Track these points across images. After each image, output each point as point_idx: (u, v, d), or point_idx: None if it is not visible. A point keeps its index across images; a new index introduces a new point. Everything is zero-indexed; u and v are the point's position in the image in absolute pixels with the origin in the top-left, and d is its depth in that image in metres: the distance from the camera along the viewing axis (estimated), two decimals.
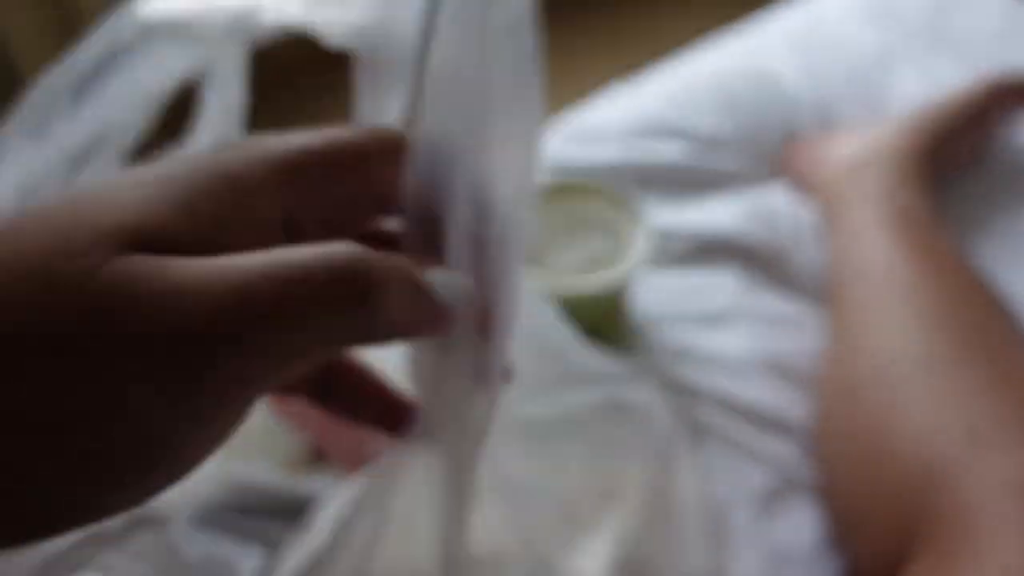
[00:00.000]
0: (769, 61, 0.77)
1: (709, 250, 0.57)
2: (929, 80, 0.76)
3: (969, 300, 0.45)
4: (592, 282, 0.46)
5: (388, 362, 0.42)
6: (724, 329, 0.52)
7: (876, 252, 0.50)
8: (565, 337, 0.39)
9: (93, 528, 0.21)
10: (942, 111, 0.63)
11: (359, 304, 0.16)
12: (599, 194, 0.52)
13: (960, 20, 0.85)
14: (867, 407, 0.40)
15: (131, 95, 0.33)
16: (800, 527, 0.43)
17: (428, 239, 0.19)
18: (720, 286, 0.55)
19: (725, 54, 0.79)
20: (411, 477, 0.21)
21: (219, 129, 0.35)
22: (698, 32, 0.93)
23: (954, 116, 0.63)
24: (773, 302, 0.55)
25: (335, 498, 0.29)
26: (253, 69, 0.36)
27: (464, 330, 0.19)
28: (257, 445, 0.39)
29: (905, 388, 0.39)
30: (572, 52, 1.97)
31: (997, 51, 0.80)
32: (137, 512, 0.20)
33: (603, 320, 0.50)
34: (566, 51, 1.97)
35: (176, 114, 0.37)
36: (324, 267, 0.15)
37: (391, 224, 0.21)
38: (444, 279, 0.18)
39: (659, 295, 0.54)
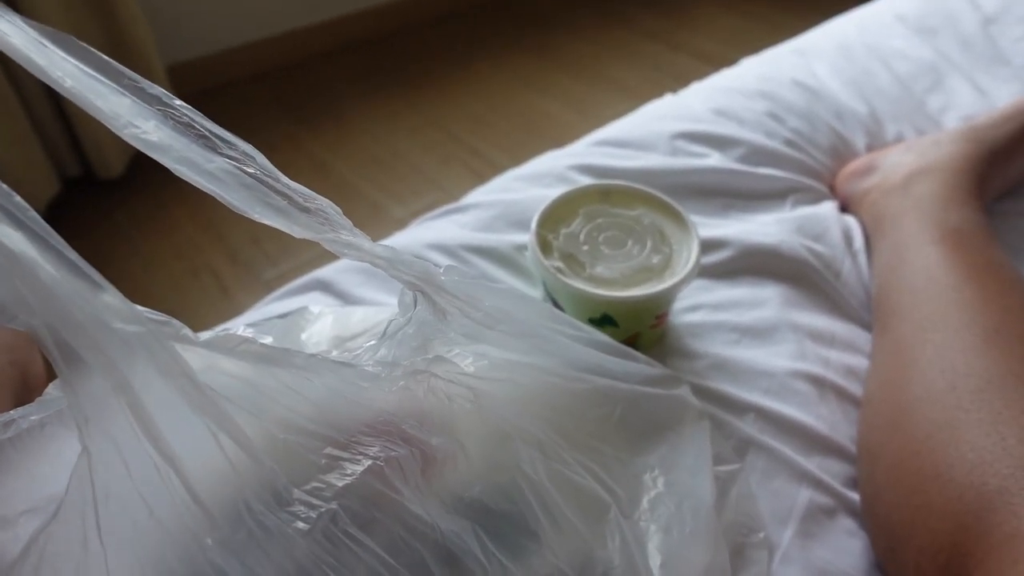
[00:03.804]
0: (817, 73, 0.77)
1: (754, 262, 0.56)
2: (981, 94, 0.75)
3: None
4: (639, 292, 0.46)
5: (353, 315, 0.42)
6: (767, 343, 0.52)
7: (931, 269, 0.49)
8: (603, 342, 0.39)
9: None
10: (995, 125, 0.62)
11: None
12: (650, 201, 0.51)
13: (1012, 34, 0.84)
14: (921, 426, 0.40)
15: None
16: (844, 549, 0.42)
17: None
18: (764, 299, 0.54)
19: (773, 64, 0.78)
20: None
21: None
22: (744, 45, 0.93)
23: (1007, 130, 0.61)
24: (818, 318, 0.54)
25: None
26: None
27: None
28: None
29: (964, 408, 0.38)
30: (621, 59, 1.96)
31: None
32: None
33: (645, 328, 0.49)
34: (612, 58, 1.97)
35: None
36: None
37: None
38: None
39: (701, 305, 0.54)
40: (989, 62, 0.79)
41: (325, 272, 0.57)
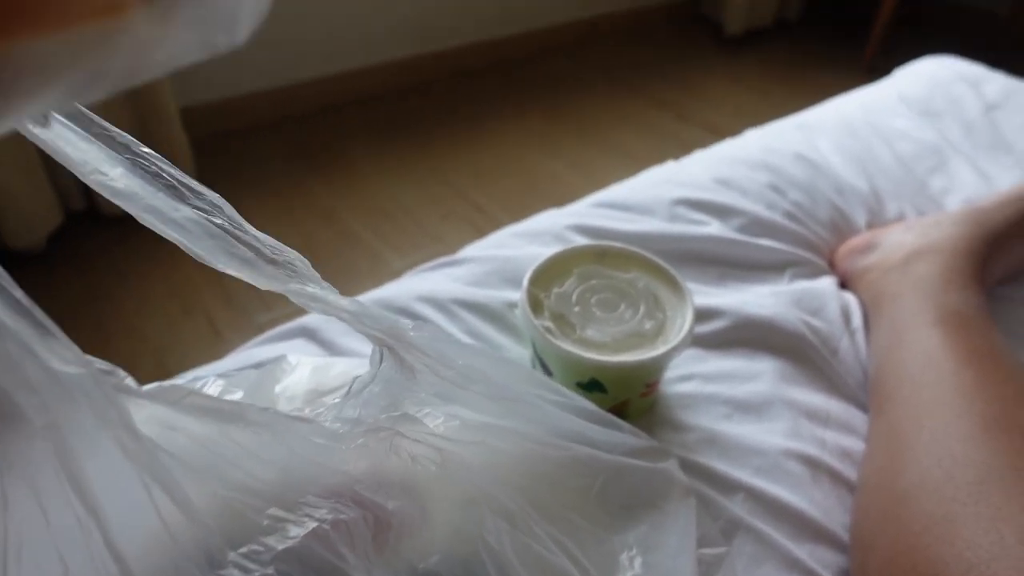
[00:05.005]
0: (820, 148, 0.77)
1: (749, 334, 0.55)
2: (983, 179, 0.75)
3: None
4: (630, 358, 0.44)
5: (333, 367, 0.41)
6: (760, 419, 0.50)
7: (929, 352, 0.47)
8: (588, 410, 0.38)
9: None
10: (997, 209, 0.61)
11: None
12: (645, 265, 0.50)
13: (1014, 122, 0.84)
14: (917, 518, 0.37)
15: None
16: None
17: None
18: (758, 372, 0.53)
19: (776, 137, 0.79)
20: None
21: None
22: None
23: (1009, 215, 0.61)
24: (814, 395, 0.52)
25: None
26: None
27: None
28: None
29: (961, 501, 0.36)
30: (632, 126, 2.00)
31: None
32: None
33: (635, 396, 0.48)
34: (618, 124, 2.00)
35: None
36: None
37: None
38: None
39: (693, 375, 0.52)
40: (992, 148, 0.80)
41: (311, 319, 0.56)
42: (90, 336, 1.28)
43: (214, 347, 1.27)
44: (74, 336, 0.19)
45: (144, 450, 0.19)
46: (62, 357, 0.19)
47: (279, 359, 0.42)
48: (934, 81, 0.91)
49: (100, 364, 0.20)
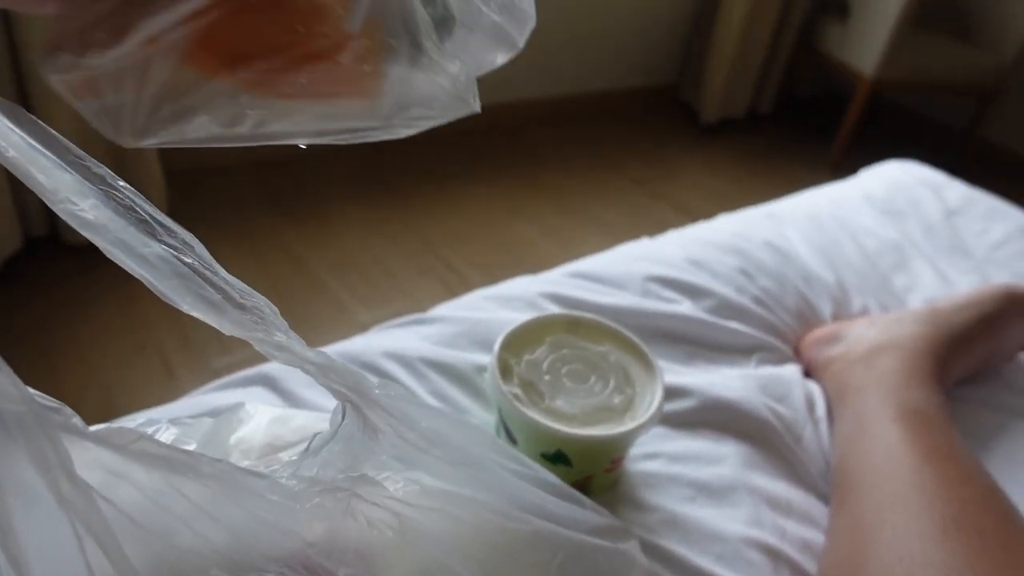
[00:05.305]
0: (789, 237, 0.79)
1: (715, 416, 0.55)
2: (943, 280, 0.77)
3: (988, 510, 0.42)
4: (598, 432, 0.44)
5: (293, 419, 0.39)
6: (722, 504, 0.49)
7: (891, 448, 0.47)
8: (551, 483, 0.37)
9: None
10: (955, 311, 0.63)
11: None
12: (618, 339, 0.50)
13: (973, 228, 0.88)
14: None
15: None
16: None
17: None
18: (722, 456, 0.52)
19: (747, 224, 0.80)
20: None
21: None
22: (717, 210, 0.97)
23: (966, 317, 0.63)
24: (777, 483, 0.52)
25: None
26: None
27: None
28: None
29: None
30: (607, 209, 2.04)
31: (1007, 260, 0.82)
32: None
33: (599, 471, 0.47)
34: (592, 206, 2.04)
35: None
36: None
37: None
38: None
39: (659, 454, 0.51)
40: (951, 251, 0.83)
41: (271, 367, 0.54)
42: (36, 365, 1.22)
43: (166, 387, 1.23)
44: (20, 364, 0.18)
45: (81, 497, 0.18)
46: (3, 393, 0.18)
47: (236, 407, 0.41)
48: (898, 184, 0.95)
49: (46, 400, 0.19)
